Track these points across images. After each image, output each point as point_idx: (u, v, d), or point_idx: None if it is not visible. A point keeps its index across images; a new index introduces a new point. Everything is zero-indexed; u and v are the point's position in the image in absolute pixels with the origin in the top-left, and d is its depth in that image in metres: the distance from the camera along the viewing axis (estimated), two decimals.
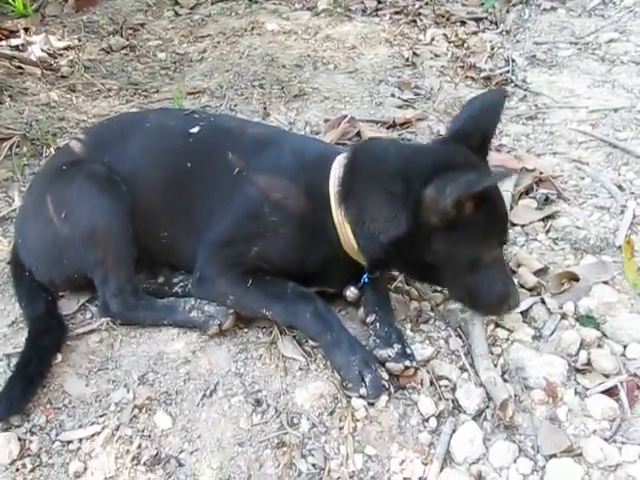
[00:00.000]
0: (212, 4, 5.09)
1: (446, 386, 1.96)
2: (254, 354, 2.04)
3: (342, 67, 3.99)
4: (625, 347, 2.05)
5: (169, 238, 2.23)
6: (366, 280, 2.14)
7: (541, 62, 4.01)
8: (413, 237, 1.92)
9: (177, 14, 4.97)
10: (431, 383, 1.96)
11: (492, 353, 2.05)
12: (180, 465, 1.78)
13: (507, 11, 4.74)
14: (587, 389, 1.93)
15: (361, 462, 1.77)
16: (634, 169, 2.91)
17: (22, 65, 3.96)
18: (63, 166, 2.25)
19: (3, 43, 4.28)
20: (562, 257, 2.43)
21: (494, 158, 2.90)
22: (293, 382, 1.96)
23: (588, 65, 3.91)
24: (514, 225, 2.59)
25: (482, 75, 3.86)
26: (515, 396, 1.91)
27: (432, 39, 4.34)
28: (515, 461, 1.77)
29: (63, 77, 3.94)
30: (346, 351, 1.93)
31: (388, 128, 3.31)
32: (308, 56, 4.11)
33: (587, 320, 2.14)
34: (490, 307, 2.06)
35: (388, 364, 1.94)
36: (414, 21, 4.63)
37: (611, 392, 1.91)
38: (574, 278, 2.27)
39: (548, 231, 2.57)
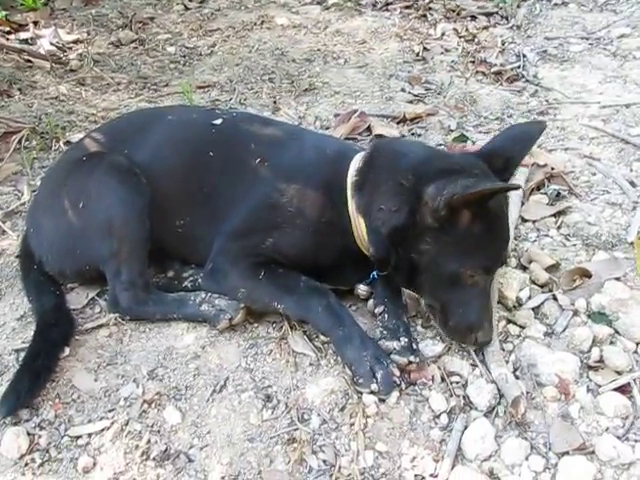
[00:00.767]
0: None
1: (457, 382, 1.95)
2: (264, 349, 2.04)
3: (352, 62, 3.98)
4: (638, 344, 2.03)
5: (185, 227, 2.23)
6: (376, 276, 2.14)
7: (552, 57, 3.99)
8: (408, 232, 1.93)
9: (187, 8, 4.97)
10: (442, 379, 1.95)
11: (504, 349, 2.03)
12: (190, 461, 1.77)
13: (518, 6, 4.73)
14: (599, 386, 1.91)
15: (372, 459, 1.76)
16: None
17: (31, 59, 3.97)
18: (83, 157, 2.26)
19: (12, 37, 4.29)
20: (574, 253, 2.41)
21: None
22: (303, 378, 1.95)
23: (599, 60, 3.89)
24: (525, 221, 2.59)
25: (493, 70, 3.84)
26: (527, 393, 1.89)
27: (442, 34, 4.33)
28: (527, 458, 1.75)
29: (72, 71, 3.94)
30: (357, 346, 1.92)
31: (398, 123, 3.30)
32: (318, 50, 4.10)
33: (599, 317, 2.12)
34: (456, 333, 2.00)
35: (392, 356, 1.94)
36: (424, 16, 4.62)
37: (624, 389, 1.89)
38: (586, 274, 2.26)
39: (560, 227, 2.56)
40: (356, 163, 2.09)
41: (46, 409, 1.90)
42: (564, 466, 1.72)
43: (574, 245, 2.46)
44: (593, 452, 1.75)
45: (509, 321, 2.14)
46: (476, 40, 4.24)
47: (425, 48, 4.11)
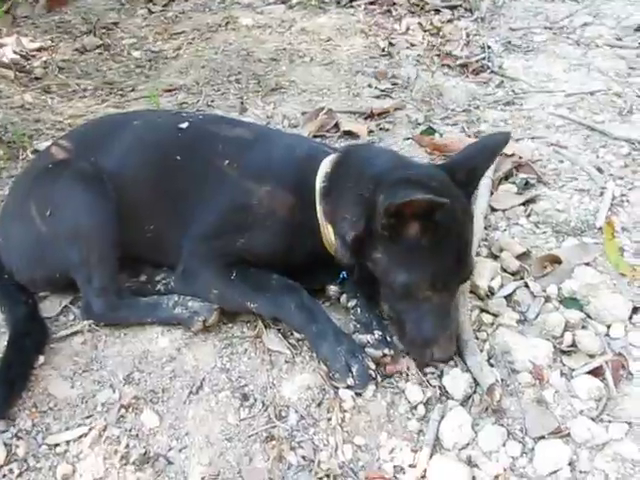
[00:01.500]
0: (185, 0, 5.06)
1: (432, 373, 1.96)
2: (239, 349, 2.03)
3: (318, 59, 3.97)
4: (609, 327, 2.05)
5: (155, 232, 2.22)
6: (346, 276, 2.15)
7: (517, 48, 4.02)
8: (365, 241, 1.93)
9: (150, 12, 4.94)
10: (417, 371, 1.95)
11: (477, 338, 2.04)
12: (169, 463, 1.76)
13: None
14: (573, 370, 1.93)
15: (351, 452, 1.77)
16: (612, 151, 2.92)
17: None
18: (49, 165, 2.24)
19: None
20: (544, 240, 2.43)
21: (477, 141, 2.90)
22: (279, 375, 1.95)
23: (563, 49, 3.92)
24: (495, 210, 2.60)
25: (458, 63, 3.86)
26: (502, 380, 1.90)
27: (407, 28, 4.34)
28: (504, 444, 1.77)
29: (37, 79, 3.90)
30: (332, 342, 1.93)
31: (366, 119, 3.30)
32: (284, 49, 4.10)
33: (571, 302, 2.14)
34: (412, 347, 1.97)
35: (367, 349, 1.94)
36: (389, 11, 4.63)
37: (596, 372, 1.91)
38: (556, 261, 2.27)
39: (529, 215, 2.57)
40: (325, 167, 2.09)
41: (23, 419, 1.88)
42: (540, 450, 1.74)
43: (544, 232, 2.48)
44: (568, 435, 1.77)
45: (482, 310, 2.15)
46: (441, 33, 4.25)
47: (390, 43, 4.12)
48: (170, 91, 3.72)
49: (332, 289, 2.17)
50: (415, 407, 1.87)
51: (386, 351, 1.93)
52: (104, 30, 4.59)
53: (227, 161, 2.17)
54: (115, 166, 2.22)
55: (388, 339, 1.98)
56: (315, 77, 3.77)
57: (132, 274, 2.30)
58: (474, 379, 1.91)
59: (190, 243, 2.14)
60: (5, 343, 2.03)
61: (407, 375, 1.94)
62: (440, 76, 3.72)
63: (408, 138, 3.11)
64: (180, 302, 2.10)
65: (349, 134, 3.15)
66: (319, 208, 2.05)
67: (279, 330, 2.08)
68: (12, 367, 1.94)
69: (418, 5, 4.66)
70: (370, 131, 3.18)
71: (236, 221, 2.11)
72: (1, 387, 1.89)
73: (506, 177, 2.79)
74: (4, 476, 1.75)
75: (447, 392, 1.90)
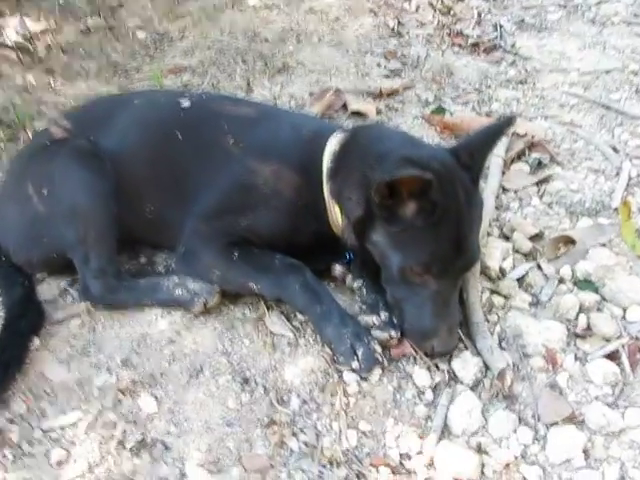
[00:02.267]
0: None
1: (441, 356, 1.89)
2: (241, 331, 1.98)
3: (326, 39, 3.88)
4: (625, 310, 2.01)
5: (155, 213, 2.17)
6: (352, 256, 2.09)
7: (530, 26, 3.91)
8: (366, 222, 1.88)
9: None
10: (426, 354, 1.89)
11: (488, 321, 1.99)
12: (167, 449, 1.72)
13: None
14: (587, 354, 1.89)
15: (355, 438, 1.72)
16: (628, 130, 2.86)
17: None
18: (46, 143, 2.20)
19: None
20: (557, 221, 2.38)
21: (484, 124, 2.87)
22: (282, 358, 1.90)
23: (578, 27, 3.81)
24: (506, 190, 2.55)
25: (470, 42, 3.75)
26: (513, 364, 1.86)
27: (417, 7, 4.23)
28: (515, 431, 1.72)
29: (40, 60, 3.84)
30: (337, 324, 1.87)
31: (375, 98, 3.22)
32: (291, 29, 4.01)
33: (585, 284, 2.10)
34: (412, 336, 1.89)
35: (373, 332, 1.89)
36: None
37: (612, 356, 1.87)
38: (570, 242, 2.23)
39: (542, 196, 2.52)
40: (332, 146, 2.03)
41: (17, 403, 1.83)
42: (553, 437, 1.69)
43: (557, 213, 2.43)
44: (583, 421, 1.73)
45: (493, 292, 2.09)
46: (452, 12, 4.14)
47: (400, 22, 4.02)
48: (175, 72, 3.64)
49: (337, 269, 2.11)
50: (423, 392, 1.82)
51: (392, 333, 1.88)
52: (109, 11, 4.51)
53: (231, 140, 2.12)
54: (114, 145, 2.17)
55: (395, 320, 1.91)
56: (323, 57, 3.68)
57: (132, 256, 2.25)
58: (484, 363, 1.86)
59: (192, 223, 2.09)
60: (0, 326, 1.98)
61: (414, 359, 1.89)
62: (450, 55, 3.63)
63: (418, 117, 3.04)
64: (180, 283, 2.04)
65: (357, 114, 3.08)
66: (326, 188, 2.00)
67: (282, 312, 2.02)
68: (6, 349, 1.89)
69: None
70: (379, 111, 3.11)
71: (240, 201, 2.05)
72: None
73: (518, 157, 2.72)
74: None
75: (456, 376, 1.85)
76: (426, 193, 1.74)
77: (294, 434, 1.72)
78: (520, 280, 2.14)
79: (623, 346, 1.88)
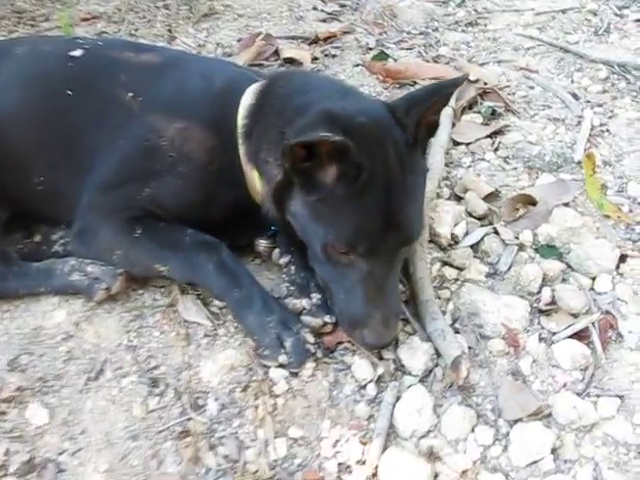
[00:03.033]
0: None
1: None
2: (150, 321, 1.72)
3: None
4: (594, 280, 1.84)
5: (46, 184, 1.90)
6: (278, 228, 1.84)
7: None
8: (284, 190, 1.62)
9: None
10: None
11: (439, 298, 1.78)
12: (60, 470, 1.46)
13: None
14: (553, 334, 1.70)
15: (285, 448, 1.48)
16: (588, 75, 2.76)
17: None
18: None
19: None
20: (515, 178, 2.21)
21: (431, 71, 2.65)
22: (197, 353, 1.64)
23: None
24: (457, 144, 2.37)
25: None
26: (469, 349, 1.64)
27: None
28: (473, 430, 1.50)
29: None
30: (259, 310, 1.62)
31: (310, 44, 3.02)
32: None
33: (548, 250, 1.92)
34: (342, 323, 1.64)
35: (303, 317, 1.65)
36: None
37: (581, 335, 1.69)
38: (530, 202, 2.06)
39: (497, 149, 2.35)
40: (247, 99, 1.77)
41: None
42: (517, 436, 1.49)
43: (514, 169, 2.26)
44: (550, 415, 1.52)
45: (444, 263, 1.89)
46: None
47: None
48: (88, 20, 3.36)
49: (262, 244, 1.86)
50: (364, 387, 1.58)
51: (327, 318, 1.64)
52: None
53: (130, 94, 1.85)
54: None
55: (328, 303, 1.66)
56: (253, 0, 3.46)
57: (24, 235, 1.97)
58: (436, 349, 1.63)
59: (88, 195, 1.82)
60: None
61: (354, 347, 1.64)
62: None
63: (358, 65, 2.85)
64: (78, 267, 1.77)
65: (291, 62, 2.86)
66: (241, 149, 1.74)
67: (198, 296, 1.77)
68: None
69: None
70: (315, 58, 2.90)
71: (141, 167, 1.78)
72: None
73: (470, 106, 2.57)
74: None
75: (403, 366, 1.62)
76: (345, 155, 1.48)
77: (211, 447, 1.47)
78: (474, 247, 1.93)
79: (593, 323, 1.69)
